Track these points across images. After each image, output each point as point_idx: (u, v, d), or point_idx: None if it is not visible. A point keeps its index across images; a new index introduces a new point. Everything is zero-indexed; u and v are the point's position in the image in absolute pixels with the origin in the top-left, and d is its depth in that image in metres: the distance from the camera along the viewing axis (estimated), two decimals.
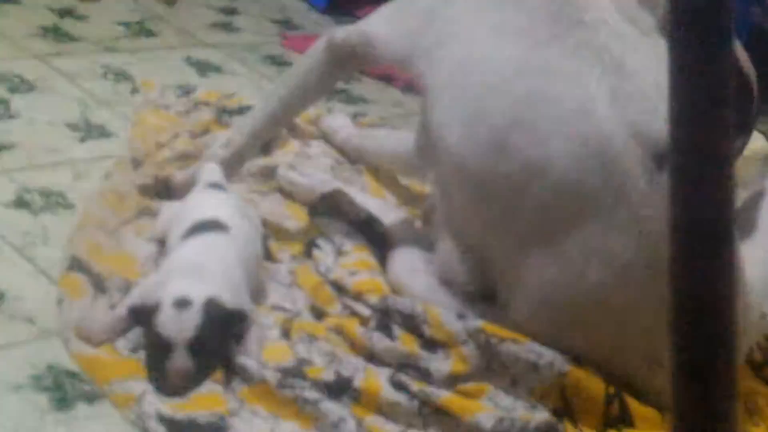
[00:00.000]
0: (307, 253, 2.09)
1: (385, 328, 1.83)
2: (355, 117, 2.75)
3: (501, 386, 1.77)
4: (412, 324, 1.83)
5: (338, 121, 2.61)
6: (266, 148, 2.40)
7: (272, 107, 2.22)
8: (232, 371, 1.72)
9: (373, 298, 1.89)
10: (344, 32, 2.12)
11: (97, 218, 2.06)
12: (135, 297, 1.76)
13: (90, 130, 2.46)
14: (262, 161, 2.36)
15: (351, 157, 2.50)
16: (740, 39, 3.01)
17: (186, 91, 2.71)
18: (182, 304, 1.67)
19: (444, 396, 1.73)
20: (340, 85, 2.98)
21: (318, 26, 3.43)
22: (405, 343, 1.81)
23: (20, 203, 2.11)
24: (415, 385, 1.74)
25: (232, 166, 2.20)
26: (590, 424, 1.75)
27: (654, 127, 1.70)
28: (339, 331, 1.85)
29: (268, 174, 2.33)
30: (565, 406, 1.76)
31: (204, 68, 2.96)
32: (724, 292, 0.82)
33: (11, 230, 2.02)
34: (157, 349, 1.68)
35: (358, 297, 1.91)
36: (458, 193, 1.88)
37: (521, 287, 1.81)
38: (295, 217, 2.20)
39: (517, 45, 1.82)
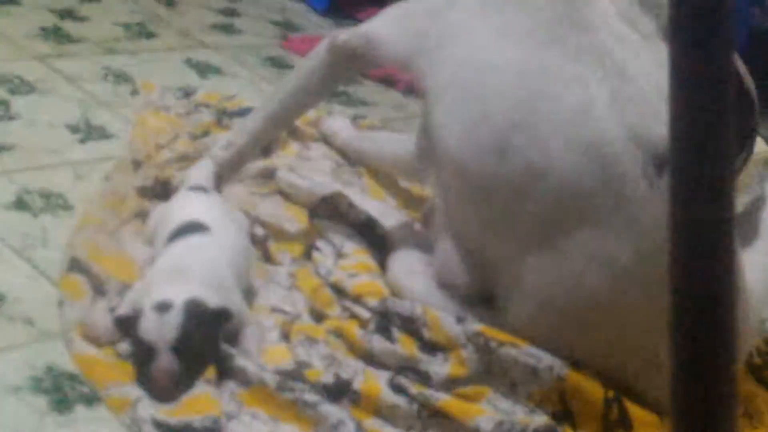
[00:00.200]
0: (307, 256, 2.09)
1: (384, 330, 1.83)
2: (355, 119, 2.75)
3: (500, 390, 1.77)
4: (411, 327, 1.82)
5: (338, 123, 2.61)
6: (266, 150, 2.40)
7: (272, 109, 2.22)
8: (225, 373, 1.72)
9: (373, 301, 1.89)
10: (346, 34, 2.12)
11: (97, 220, 2.06)
12: (123, 306, 1.76)
13: (90, 132, 2.46)
14: (262, 163, 2.36)
15: (351, 159, 2.50)
16: (740, 40, 3.02)
17: (186, 92, 2.71)
18: (163, 307, 1.67)
19: (443, 399, 1.73)
20: (340, 87, 2.98)
21: (318, 28, 3.44)
22: (404, 346, 1.81)
23: (20, 204, 2.11)
24: (415, 388, 1.74)
25: (232, 167, 2.21)
26: (589, 427, 1.75)
27: (654, 130, 1.70)
28: (338, 333, 1.84)
29: (268, 176, 2.33)
30: (564, 410, 1.76)
31: (204, 70, 2.96)
32: (723, 295, 0.82)
33: (11, 232, 2.02)
34: (143, 355, 1.67)
35: (357, 299, 1.91)
36: (458, 195, 1.88)
37: (521, 290, 1.81)
38: (295, 220, 2.20)
39: (519, 48, 1.82)
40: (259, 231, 2.13)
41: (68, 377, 1.69)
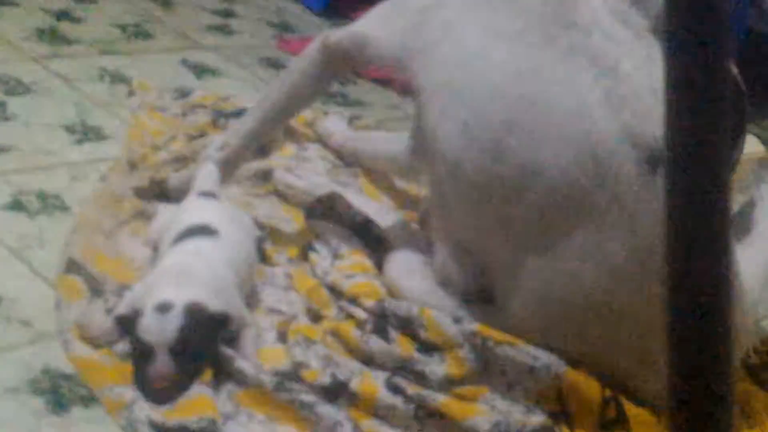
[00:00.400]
0: (304, 256, 2.09)
1: (381, 331, 1.83)
2: (351, 120, 2.75)
3: (497, 389, 1.77)
4: (408, 327, 1.83)
5: (335, 123, 2.61)
6: (263, 151, 2.40)
7: (267, 109, 2.22)
8: (222, 375, 1.72)
9: (370, 302, 1.89)
10: (338, 34, 2.12)
11: (94, 220, 2.06)
12: (123, 306, 1.76)
13: (86, 133, 2.46)
14: (258, 164, 2.36)
15: (347, 160, 2.50)
16: (737, 43, 3.02)
17: (182, 93, 2.71)
18: (164, 308, 1.67)
19: (440, 399, 1.73)
20: (336, 87, 2.99)
21: (314, 29, 3.43)
22: (401, 347, 1.81)
23: (16, 206, 2.11)
24: (412, 389, 1.74)
25: (227, 168, 2.20)
26: (586, 426, 1.75)
27: (648, 129, 1.70)
28: (335, 334, 1.84)
29: (265, 177, 2.33)
30: (561, 409, 1.76)
31: (200, 71, 2.96)
32: (720, 294, 0.82)
33: (7, 233, 2.02)
34: (141, 355, 1.67)
35: (354, 300, 1.91)
36: (453, 195, 1.88)
37: (517, 289, 1.81)
38: (291, 220, 2.20)
39: (511, 48, 1.82)
40: (256, 232, 2.13)
41: (65, 378, 1.69)
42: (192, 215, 1.93)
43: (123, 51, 2.97)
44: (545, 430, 1.72)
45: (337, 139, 2.54)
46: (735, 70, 1.87)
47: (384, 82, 3.14)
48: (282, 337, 1.86)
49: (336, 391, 1.73)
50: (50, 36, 2.94)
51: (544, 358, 1.76)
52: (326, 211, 2.18)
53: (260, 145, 2.33)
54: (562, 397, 1.76)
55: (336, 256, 2.06)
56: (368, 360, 1.80)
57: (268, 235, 2.13)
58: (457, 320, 1.81)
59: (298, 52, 2.28)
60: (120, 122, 2.53)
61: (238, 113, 2.50)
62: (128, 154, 2.35)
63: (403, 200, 2.38)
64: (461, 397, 1.75)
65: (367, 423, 1.71)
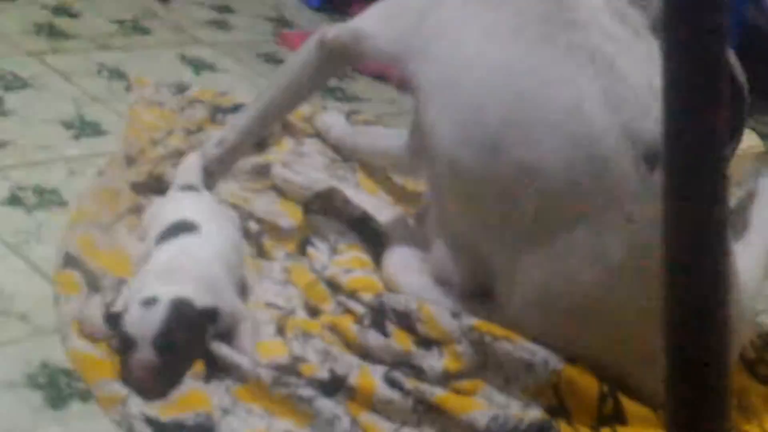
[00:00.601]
0: (302, 251, 2.09)
1: (379, 325, 1.83)
2: (349, 115, 2.75)
3: (495, 384, 1.77)
4: (406, 322, 1.83)
5: (332, 118, 2.61)
6: (261, 146, 2.40)
7: (264, 105, 2.22)
8: (220, 368, 1.72)
9: (368, 296, 1.89)
10: (335, 29, 2.12)
11: (91, 215, 2.06)
12: (118, 305, 1.76)
13: (84, 128, 2.46)
14: (256, 159, 2.36)
15: (345, 155, 2.50)
16: (734, 38, 3.02)
17: (180, 88, 2.71)
18: (149, 302, 1.67)
19: (438, 394, 1.73)
20: (334, 82, 2.99)
21: (312, 24, 3.43)
22: (399, 341, 1.81)
23: (14, 201, 2.11)
24: (410, 383, 1.74)
25: (225, 164, 2.21)
26: (584, 422, 1.75)
27: (646, 127, 1.70)
28: (333, 328, 1.85)
29: (263, 172, 2.33)
30: (559, 404, 1.76)
31: (198, 66, 2.96)
32: (717, 290, 0.82)
33: (5, 228, 2.02)
34: (125, 348, 1.67)
35: (352, 295, 1.91)
36: (451, 192, 1.88)
37: (515, 286, 1.81)
38: (289, 215, 2.20)
39: (509, 45, 1.82)
40: (254, 227, 2.13)
41: (63, 373, 1.69)
42: (173, 212, 1.94)
43: (121, 46, 2.97)
44: (543, 425, 1.72)
45: (336, 134, 2.54)
46: (734, 59, 1.88)
47: (382, 77, 3.14)
48: (280, 332, 1.86)
49: (334, 386, 1.73)
50: (48, 31, 2.94)
51: (542, 353, 1.76)
52: (324, 206, 2.18)
53: (258, 140, 2.33)
54: (559, 392, 1.76)
55: (334, 251, 2.06)
56: (366, 354, 1.80)
57: (266, 231, 2.13)
58: (455, 315, 1.81)
59: (296, 47, 2.28)
60: (118, 117, 2.53)
61: (236, 108, 2.50)
62: (126, 148, 2.35)
63: (401, 195, 2.38)
64: (459, 392, 1.76)
65: (366, 417, 1.71)
